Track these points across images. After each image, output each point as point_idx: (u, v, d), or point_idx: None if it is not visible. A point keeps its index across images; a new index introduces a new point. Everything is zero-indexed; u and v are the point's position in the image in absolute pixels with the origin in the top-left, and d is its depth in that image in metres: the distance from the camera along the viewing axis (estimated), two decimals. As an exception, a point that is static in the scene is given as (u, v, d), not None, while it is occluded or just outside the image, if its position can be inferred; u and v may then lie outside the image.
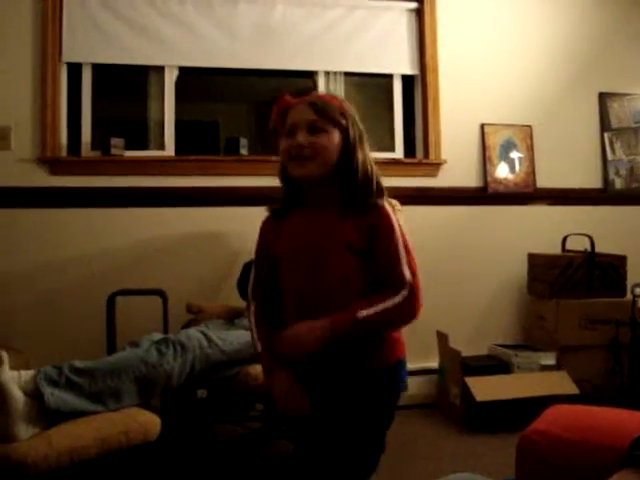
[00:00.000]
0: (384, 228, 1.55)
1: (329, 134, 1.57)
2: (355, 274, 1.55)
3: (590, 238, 3.55)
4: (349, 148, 1.59)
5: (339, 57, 3.71)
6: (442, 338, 3.48)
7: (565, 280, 3.49)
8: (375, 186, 1.59)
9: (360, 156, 1.59)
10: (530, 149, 3.89)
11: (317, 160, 1.56)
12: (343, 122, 1.59)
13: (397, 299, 1.50)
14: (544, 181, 3.89)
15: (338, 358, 1.55)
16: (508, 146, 3.87)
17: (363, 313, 1.48)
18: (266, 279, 1.68)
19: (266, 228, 1.71)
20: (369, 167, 1.60)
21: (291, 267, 1.62)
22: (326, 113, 1.58)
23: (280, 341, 1.53)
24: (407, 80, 3.89)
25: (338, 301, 1.52)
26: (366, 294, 1.54)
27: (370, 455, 1.58)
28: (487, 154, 3.83)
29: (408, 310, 1.52)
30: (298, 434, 1.70)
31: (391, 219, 1.56)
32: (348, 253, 1.54)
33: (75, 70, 3.54)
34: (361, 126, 1.64)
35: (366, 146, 1.63)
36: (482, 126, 3.84)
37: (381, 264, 1.54)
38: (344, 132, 1.59)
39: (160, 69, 3.63)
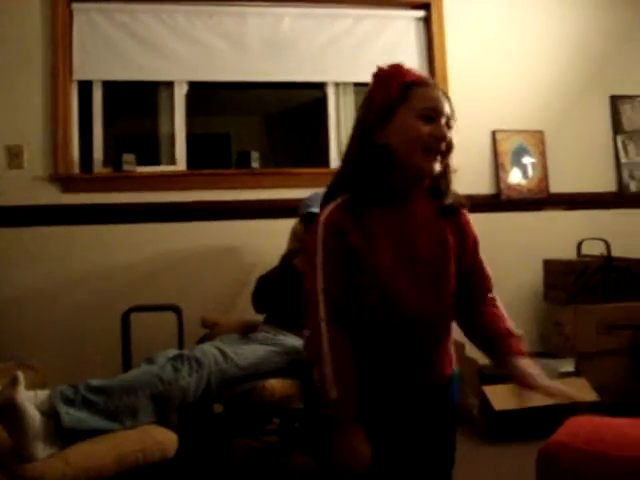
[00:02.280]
0: (472, 228, 1.48)
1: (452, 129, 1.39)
2: (455, 283, 1.43)
3: (606, 242, 3.52)
4: None
5: (348, 68, 3.71)
6: (458, 347, 3.44)
7: (582, 285, 3.45)
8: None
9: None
10: (542, 154, 3.87)
11: (446, 159, 1.38)
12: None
13: (499, 300, 1.47)
14: (558, 186, 3.86)
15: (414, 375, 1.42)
16: (520, 152, 3.85)
17: (513, 326, 1.43)
18: (343, 286, 1.35)
19: (335, 221, 1.36)
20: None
21: (400, 281, 1.37)
22: (453, 111, 1.40)
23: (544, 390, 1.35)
24: (417, 88, 3.87)
25: (448, 319, 1.44)
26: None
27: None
28: (499, 161, 3.81)
29: None
30: None
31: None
32: (454, 259, 1.42)
33: (86, 87, 3.57)
34: None
35: None
36: (493, 133, 3.82)
37: (475, 267, 1.47)
38: None
39: (170, 84, 3.65)
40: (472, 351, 3.32)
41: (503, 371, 1.42)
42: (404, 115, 1.35)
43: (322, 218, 1.37)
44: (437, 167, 1.35)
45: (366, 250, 1.34)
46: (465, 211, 1.47)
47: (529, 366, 1.36)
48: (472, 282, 1.46)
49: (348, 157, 1.43)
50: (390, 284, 1.35)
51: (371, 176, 1.37)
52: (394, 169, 1.37)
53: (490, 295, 1.48)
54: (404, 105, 1.36)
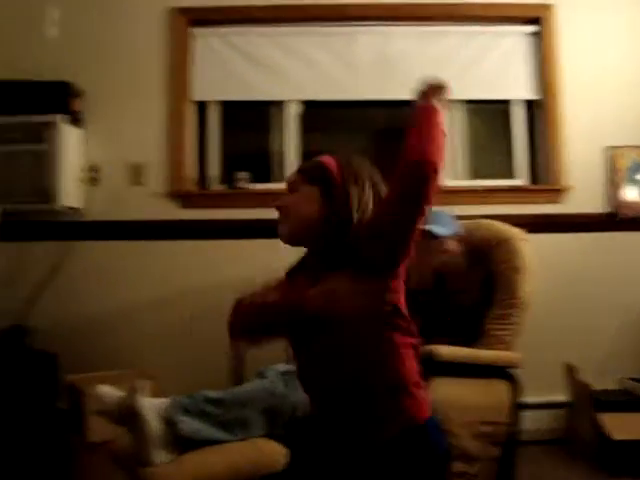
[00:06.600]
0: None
1: (301, 192, 1.48)
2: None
3: None
4: (334, 205, 1.43)
5: (459, 84, 3.60)
6: (571, 370, 3.35)
7: None
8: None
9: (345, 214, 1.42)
10: (661, 171, 3.70)
11: (289, 220, 1.49)
12: (326, 179, 1.45)
13: None
14: (677, 204, 3.68)
15: (351, 430, 1.43)
16: (637, 168, 3.70)
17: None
18: None
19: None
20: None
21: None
22: (304, 172, 1.51)
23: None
24: (527, 104, 3.81)
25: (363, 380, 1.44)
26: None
27: None
28: (615, 177, 3.67)
29: None
30: None
31: None
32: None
33: (202, 107, 3.73)
34: (367, 187, 1.47)
35: (366, 207, 1.44)
36: (608, 149, 3.69)
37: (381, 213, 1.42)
38: (327, 189, 1.45)
39: (282, 103, 3.76)
40: (583, 375, 3.23)
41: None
42: None
43: None
44: (280, 232, 1.51)
45: None
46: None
47: None
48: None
49: None
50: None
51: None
52: None
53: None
54: None
